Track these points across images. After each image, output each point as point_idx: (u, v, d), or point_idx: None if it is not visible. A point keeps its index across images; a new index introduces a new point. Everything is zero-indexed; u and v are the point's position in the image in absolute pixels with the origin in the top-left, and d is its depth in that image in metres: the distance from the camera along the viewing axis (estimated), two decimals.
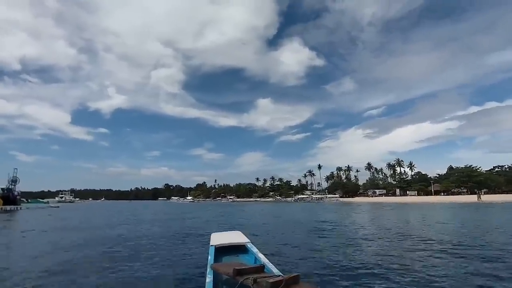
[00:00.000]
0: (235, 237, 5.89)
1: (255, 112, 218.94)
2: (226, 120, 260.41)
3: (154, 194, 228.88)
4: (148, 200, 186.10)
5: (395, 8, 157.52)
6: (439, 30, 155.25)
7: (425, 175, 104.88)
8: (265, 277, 3.14)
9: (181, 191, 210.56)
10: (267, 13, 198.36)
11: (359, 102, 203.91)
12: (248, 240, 5.49)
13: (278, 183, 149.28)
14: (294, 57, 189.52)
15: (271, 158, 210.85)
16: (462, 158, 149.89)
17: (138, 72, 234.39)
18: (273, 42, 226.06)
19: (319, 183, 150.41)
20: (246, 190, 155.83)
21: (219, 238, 5.72)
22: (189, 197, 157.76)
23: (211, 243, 5.32)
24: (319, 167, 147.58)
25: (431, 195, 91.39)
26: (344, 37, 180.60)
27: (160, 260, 7.44)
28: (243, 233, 6.21)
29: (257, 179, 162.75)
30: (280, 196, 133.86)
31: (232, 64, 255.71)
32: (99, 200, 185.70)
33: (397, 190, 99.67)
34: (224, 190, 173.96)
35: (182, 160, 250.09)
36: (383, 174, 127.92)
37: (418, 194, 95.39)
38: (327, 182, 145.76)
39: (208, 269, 4.08)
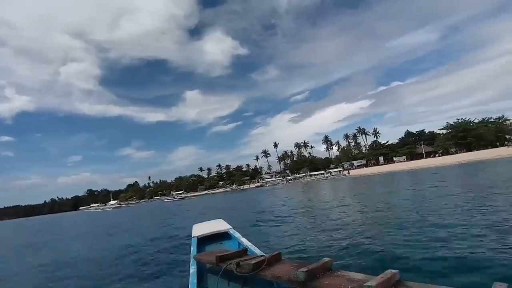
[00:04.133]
0: (217, 225, 5.78)
1: (184, 105, 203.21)
2: (153, 116, 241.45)
3: (74, 203, 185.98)
4: (64, 212, 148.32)
5: None
6: (342, 16, 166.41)
7: (410, 135, 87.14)
8: (248, 259, 3.12)
9: (108, 196, 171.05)
10: (186, 1, 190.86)
11: (285, 88, 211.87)
12: (230, 227, 5.41)
13: (226, 170, 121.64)
14: (218, 47, 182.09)
15: (205, 151, 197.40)
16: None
17: (43, 68, 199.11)
18: (195, 31, 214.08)
19: (269, 166, 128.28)
20: (189, 184, 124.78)
21: (200, 229, 5.56)
22: (112, 202, 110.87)
23: (193, 235, 5.21)
24: (275, 145, 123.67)
25: (419, 158, 72.86)
26: (265, 25, 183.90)
27: None
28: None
29: (201, 169, 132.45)
30: (232, 184, 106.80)
31: (154, 56, 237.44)
32: None
33: (381, 158, 79.69)
34: (161, 187, 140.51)
35: (108, 162, 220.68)
36: (339, 147, 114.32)
37: (407, 159, 76.36)
38: (279, 163, 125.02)
39: (192, 260, 4.02)
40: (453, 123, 76.60)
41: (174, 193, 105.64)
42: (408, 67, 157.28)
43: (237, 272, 2.99)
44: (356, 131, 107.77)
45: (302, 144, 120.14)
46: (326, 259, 2.60)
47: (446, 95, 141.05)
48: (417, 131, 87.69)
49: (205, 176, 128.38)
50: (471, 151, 71.46)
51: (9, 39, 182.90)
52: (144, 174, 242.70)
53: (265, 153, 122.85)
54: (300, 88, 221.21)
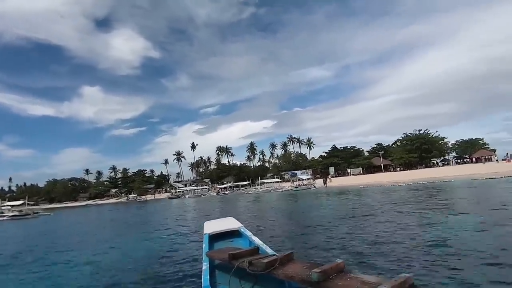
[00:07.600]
0: (228, 223, 5.55)
1: (80, 101, 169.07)
2: (39, 108, 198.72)
3: None
4: None
5: (227, 15, 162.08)
6: (251, 36, 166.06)
7: (355, 147, 72.94)
8: (260, 258, 3.11)
9: None
10: None
11: (196, 99, 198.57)
12: (241, 225, 5.25)
13: (122, 175, 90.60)
14: (127, 45, 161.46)
15: (101, 155, 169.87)
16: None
17: None
18: (103, 23, 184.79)
19: (178, 173, 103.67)
20: (67, 190, 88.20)
21: (212, 226, 5.39)
22: None
23: (204, 232, 5.06)
24: (193, 146, 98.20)
25: (376, 172, 57.95)
26: (178, 30, 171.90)
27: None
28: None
29: (87, 171, 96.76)
30: (129, 193, 76.80)
31: (47, 40, 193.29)
32: None
33: (331, 169, 62.61)
34: (26, 193, 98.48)
35: None
36: (263, 155, 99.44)
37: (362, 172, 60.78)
38: (192, 171, 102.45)
39: (204, 257, 3.99)
40: (410, 134, 65.07)
41: (6, 203, 57.24)
42: (308, 96, 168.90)
43: (249, 271, 2.95)
44: (287, 139, 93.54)
45: (225, 148, 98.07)
46: (339, 260, 2.56)
47: (336, 124, 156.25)
48: (341, 147, 75.98)
49: (93, 181, 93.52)
50: (428, 166, 60.43)
51: None
52: (17, 177, 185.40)
53: (179, 155, 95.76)
54: (211, 101, 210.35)
